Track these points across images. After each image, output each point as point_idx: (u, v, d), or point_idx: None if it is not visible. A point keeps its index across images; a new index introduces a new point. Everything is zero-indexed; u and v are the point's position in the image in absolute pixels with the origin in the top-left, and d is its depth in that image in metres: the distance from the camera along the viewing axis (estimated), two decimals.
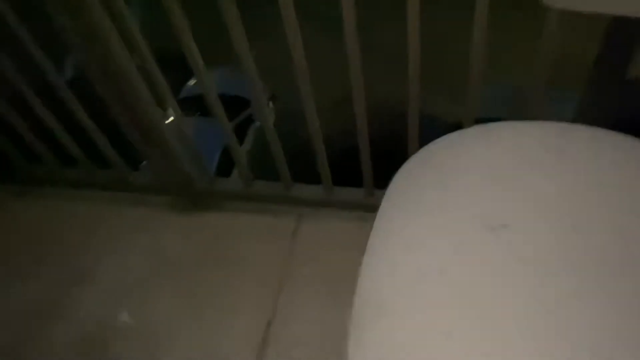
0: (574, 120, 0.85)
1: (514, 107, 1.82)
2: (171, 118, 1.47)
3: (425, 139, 0.89)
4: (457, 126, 0.96)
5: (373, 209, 0.79)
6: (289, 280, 1.36)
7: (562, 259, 0.69)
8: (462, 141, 0.85)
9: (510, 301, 0.66)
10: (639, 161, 0.78)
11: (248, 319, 1.31)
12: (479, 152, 0.82)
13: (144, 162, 1.63)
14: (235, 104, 2.03)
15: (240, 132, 2.10)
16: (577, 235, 0.70)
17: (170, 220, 1.51)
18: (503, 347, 0.63)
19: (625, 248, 0.68)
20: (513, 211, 0.75)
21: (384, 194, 0.85)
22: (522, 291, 0.67)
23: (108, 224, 1.52)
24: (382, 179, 1.14)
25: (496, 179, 0.79)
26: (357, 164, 1.31)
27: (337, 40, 1.05)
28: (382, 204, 0.85)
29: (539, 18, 0.94)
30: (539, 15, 0.92)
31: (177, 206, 1.52)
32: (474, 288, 0.68)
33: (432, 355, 0.64)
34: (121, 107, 1.20)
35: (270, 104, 5.06)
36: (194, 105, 2.01)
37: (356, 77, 1.07)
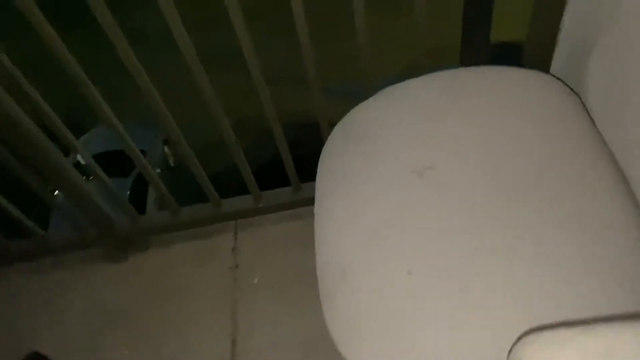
0: None
1: None
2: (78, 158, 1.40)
3: None
4: None
5: (305, 203, 0.83)
6: (241, 294, 1.35)
7: (484, 182, 0.76)
8: (374, 106, 0.90)
9: (454, 227, 0.72)
10: (532, 90, 0.87)
11: (211, 344, 1.28)
12: (391, 111, 0.89)
13: (53, 221, 1.54)
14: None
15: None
16: (491, 161, 0.78)
17: (102, 271, 1.44)
18: (460, 277, 0.68)
19: (534, 164, 0.77)
20: (432, 154, 0.81)
21: (312, 185, 0.88)
22: (461, 216, 0.73)
23: (36, 296, 1.42)
24: (306, 171, 1.18)
25: (411, 130, 0.85)
26: (280, 164, 1.33)
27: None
28: (316, 184, 0.88)
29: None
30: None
31: (105, 255, 1.45)
32: (421, 228, 0.74)
33: (396, 299, 0.68)
34: (24, 156, 1.14)
35: (166, 148, 4.95)
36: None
37: (261, 85, 1.09)
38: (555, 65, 1.06)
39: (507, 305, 0.63)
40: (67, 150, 1.30)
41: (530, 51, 1.02)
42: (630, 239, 0.67)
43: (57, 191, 2.11)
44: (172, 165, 5.03)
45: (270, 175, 1.45)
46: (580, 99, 0.86)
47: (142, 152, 1.23)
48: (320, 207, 0.84)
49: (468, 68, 0.93)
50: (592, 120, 0.83)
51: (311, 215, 0.84)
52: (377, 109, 0.90)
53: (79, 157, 1.33)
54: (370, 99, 0.93)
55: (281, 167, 1.34)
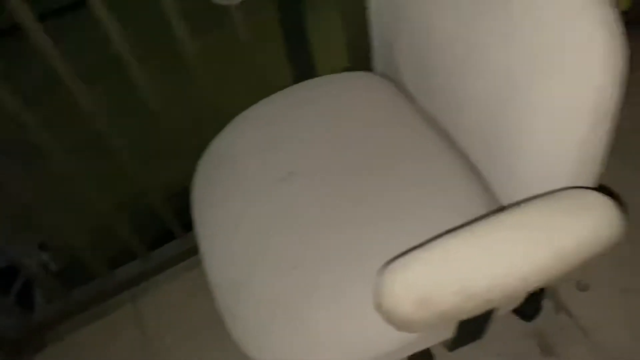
0: None
1: None
2: None
3: None
4: None
5: (196, 250, 0.86)
6: (159, 358, 1.32)
7: (337, 173, 0.85)
8: (229, 132, 0.98)
9: (323, 219, 0.80)
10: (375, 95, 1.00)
11: None
12: (246, 132, 0.96)
13: None
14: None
15: None
16: (339, 155, 0.88)
17: None
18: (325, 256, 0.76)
19: (374, 149, 0.88)
20: (290, 160, 0.89)
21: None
22: (326, 207, 0.81)
23: None
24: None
25: (267, 144, 0.93)
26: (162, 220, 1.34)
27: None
28: (194, 221, 0.92)
29: None
30: None
31: None
32: (295, 226, 0.81)
33: (288, 295, 0.73)
34: None
35: (44, 255, 4.59)
36: None
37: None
38: (377, 64, 1.21)
39: (374, 264, 0.72)
40: None
41: (354, 54, 1.16)
42: (457, 185, 0.80)
43: None
44: (54, 269, 4.67)
45: (159, 232, 1.45)
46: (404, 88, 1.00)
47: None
48: (203, 237, 0.88)
49: (302, 83, 1.04)
50: (413, 102, 0.96)
51: None
52: (232, 133, 0.97)
53: None
54: (224, 129, 0.99)
55: (165, 223, 1.35)
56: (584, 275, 1.26)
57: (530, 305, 1.20)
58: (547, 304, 1.23)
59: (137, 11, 1.84)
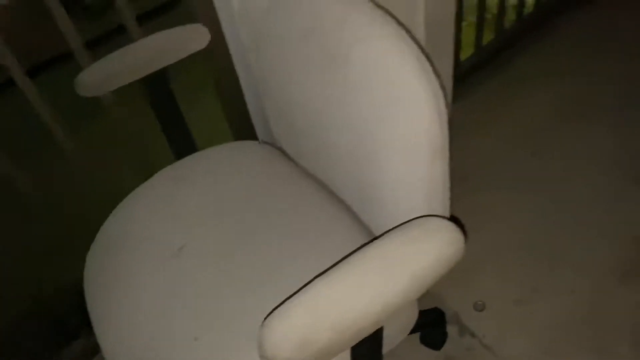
0: None
1: None
2: None
3: None
4: None
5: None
6: None
7: (227, 241, 0.89)
8: (117, 215, 0.98)
9: (212, 287, 0.83)
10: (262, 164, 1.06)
11: None
12: (135, 212, 0.98)
13: None
14: None
15: None
16: (229, 222, 0.92)
17: None
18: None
19: (261, 212, 0.94)
20: (181, 234, 0.92)
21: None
22: (215, 275, 0.84)
23: None
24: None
25: (157, 222, 0.95)
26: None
27: None
28: (88, 309, 0.91)
29: None
30: None
31: None
32: (189, 298, 0.83)
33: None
34: None
35: None
36: None
37: None
38: (259, 133, 1.29)
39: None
40: None
41: (236, 125, 1.23)
42: (336, 229, 0.87)
43: None
44: None
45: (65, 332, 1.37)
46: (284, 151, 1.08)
47: None
48: (100, 329, 0.87)
49: (186, 158, 1.08)
50: (293, 164, 1.04)
51: None
52: (119, 217, 0.98)
53: None
54: (112, 213, 1.00)
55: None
56: (479, 295, 1.36)
57: (436, 334, 1.28)
58: (451, 330, 1.31)
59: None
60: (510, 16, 1.94)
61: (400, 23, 0.72)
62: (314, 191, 0.95)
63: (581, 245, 1.42)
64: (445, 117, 0.70)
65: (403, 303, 0.56)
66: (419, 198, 0.71)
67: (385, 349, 0.77)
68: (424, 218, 0.65)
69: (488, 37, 1.96)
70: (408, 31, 0.72)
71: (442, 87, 0.71)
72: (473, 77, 1.88)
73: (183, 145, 1.09)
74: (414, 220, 0.64)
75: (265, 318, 0.56)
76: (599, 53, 1.93)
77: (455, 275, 1.38)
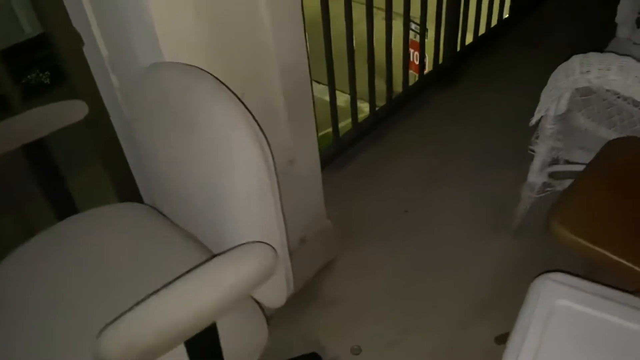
0: None
1: None
2: None
3: None
4: None
5: None
6: None
7: (94, 299, 0.98)
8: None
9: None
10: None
11: None
12: (9, 272, 1.04)
13: None
14: None
15: None
16: (99, 280, 1.01)
17: None
18: None
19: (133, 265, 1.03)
20: (54, 291, 0.99)
21: None
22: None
23: None
24: None
25: (30, 278, 1.02)
26: None
27: None
28: None
29: None
30: None
31: None
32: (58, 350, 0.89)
33: None
34: None
35: None
36: None
37: None
38: (143, 196, 1.41)
39: None
40: None
41: (122, 189, 1.35)
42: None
43: None
44: None
45: None
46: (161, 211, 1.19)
47: None
48: None
49: (67, 219, 1.16)
50: (166, 220, 1.15)
51: None
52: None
53: None
54: None
55: None
56: (356, 340, 1.48)
57: None
58: None
59: None
60: (380, 101, 2.23)
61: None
62: (181, 242, 1.06)
63: (445, 288, 1.60)
64: (271, 166, 0.86)
65: (222, 307, 0.68)
66: (254, 231, 0.85)
67: None
68: (248, 243, 0.78)
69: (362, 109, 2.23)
70: (239, 98, 0.89)
71: (268, 143, 0.87)
72: (352, 148, 2.11)
73: (64, 207, 1.18)
74: (240, 246, 0.78)
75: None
76: (459, 124, 2.24)
77: (333, 322, 1.52)
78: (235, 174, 0.86)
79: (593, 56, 1.25)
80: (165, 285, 0.71)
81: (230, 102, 0.87)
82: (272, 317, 1.54)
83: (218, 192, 0.88)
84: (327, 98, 1.99)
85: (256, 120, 0.87)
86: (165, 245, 1.07)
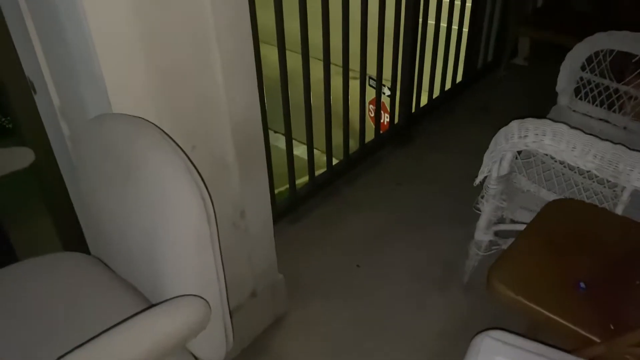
0: None
1: None
2: None
3: None
4: None
5: None
6: None
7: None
8: None
9: None
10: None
11: None
12: None
13: None
14: None
15: None
16: (33, 330, 0.97)
17: None
18: None
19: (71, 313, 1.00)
20: None
21: None
22: None
23: None
24: None
25: None
26: None
27: None
28: None
29: None
30: None
31: None
32: None
33: None
34: None
35: None
36: None
37: None
38: (90, 246, 1.38)
39: None
40: None
41: (67, 238, 1.32)
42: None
43: None
44: None
45: None
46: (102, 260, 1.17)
47: None
48: None
49: (9, 266, 1.13)
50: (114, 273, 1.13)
51: None
52: None
53: None
54: None
55: None
56: None
57: None
58: None
59: None
60: (338, 156, 2.28)
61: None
62: (120, 293, 1.04)
63: (389, 345, 1.59)
64: (212, 219, 0.87)
65: (150, 358, 0.67)
66: (191, 283, 0.85)
67: None
68: (181, 297, 0.78)
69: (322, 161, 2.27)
70: (185, 152, 0.91)
71: (209, 195, 0.88)
72: (308, 203, 2.13)
73: (3, 256, 1.14)
74: (173, 299, 0.77)
75: None
76: (412, 183, 2.30)
77: None
78: (173, 226, 0.86)
79: (530, 121, 1.32)
80: (94, 337, 0.69)
81: (172, 153, 0.89)
82: None
83: (155, 243, 0.88)
84: (285, 148, 2.03)
85: (199, 173, 0.88)
86: (103, 295, 1.04)
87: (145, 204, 0.90)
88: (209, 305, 0.76)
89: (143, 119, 0.98)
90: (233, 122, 1.25)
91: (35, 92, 1.20)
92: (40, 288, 1.07)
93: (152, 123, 0.97)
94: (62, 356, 0.66)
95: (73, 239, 1.37)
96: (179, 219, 0.85)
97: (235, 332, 0.98)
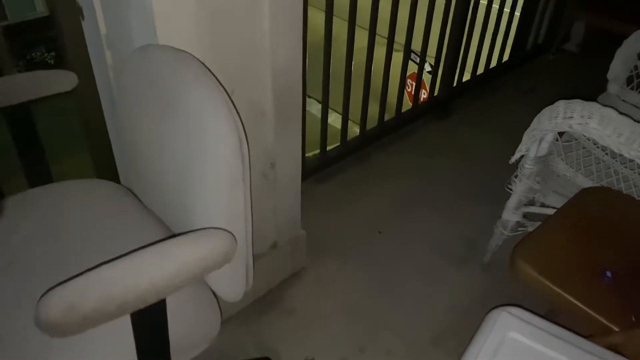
0: None
1: None
2: None
3: None
4: None
5: None
6: None
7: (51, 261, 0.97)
8: None
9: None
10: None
11: None
12: None
13: None
14: None
15: None
16: (60, 244, 1.01)
17: None
18: None
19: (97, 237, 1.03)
20: (12, 250, 0.99)
21: None
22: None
23: None
24: None
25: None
26: None
27: None
28: None
29: None
30: None
31: None
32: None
33: None
34: None
35: None
36: None
37: None
38: (121, 175, 1.41)
39: None
40: None
41: (101, 167, 1.35)
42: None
43: None
44: None
45: None
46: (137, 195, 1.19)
47: None
48: None
49: (42, 186, 1.16)
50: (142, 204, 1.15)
51: None
52: None
53: None
54: None
55: None
56: (310, 351, 1.47)
57: None
58: None
59: None
60: (372, 124, 2.26)
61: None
62: (145, 222, 1.06)
63: (401, 313, 1.60)
64: (247, 159, 0.87)
65: (172, 283, 0.68)
66: (219, 219, 0.85)
67: (187, 356, 0.87)
68: (209, 228, 0.79)
69: (354, 132, 2.26)
70: (229, 94, 0.90)
71: (246, 137, 0.88)
72: (337, 165, 2.13)
73: (38, 175, 1.17)
74: (201, 229, 0.78)
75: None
76: (444, 156, 2.27)
77: (291, 331, 1.51)
78: (208, 160, 0.86)
79: (577, 103, 1.28)
80: (117, 257, 0.71)
81: (215, 89, 0.88)
82: (230, 318, 1.53)
83: (188, 177, 0.89)
84: (319, 115, 2.02)
85: (239, 115, 0.88)
86: (129, 223, 1.06)
87: (182, 137, 0.90)
88: (235, 239, 0.77)
89: (188, 53, 0.98)
90: (274, 70, 1.24)
91: (83, 18, 1.21)
92: (71, 208, 1.10)
93: (197, 58, 0.96)
94: (89, 269, 0.68)
95: (106, 170, 1.40)
96: (214, 154, 0.85)
97: (253, 279, 1.00)
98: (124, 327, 0.72)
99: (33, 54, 3.04)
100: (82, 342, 0.78)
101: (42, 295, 0.64)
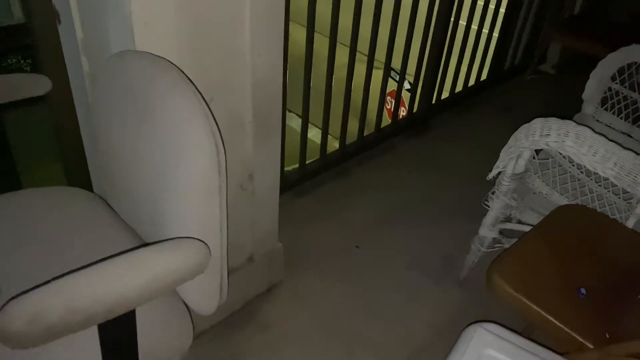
0: None
1: None
2: None
3: None
4: None
5: None
6: None
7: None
8: None
9: None
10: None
11: None
12: None
13: None
14: None
15: None
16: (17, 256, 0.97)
17: None
18: None
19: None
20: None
21: None
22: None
23: None
24: None
25: None
26: None
27: None
28: None
29: None
30: None
31: None
32: None
33: None
34: None
35: None
36: None
37: None
38: (94, 183, 1.37)
39: None
40: None
41: (72, 175, 1.32)
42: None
43: None
44: None
45: None
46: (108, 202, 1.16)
47: None
48: None
49: (9, 193, 1.12)
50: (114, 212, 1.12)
51: None
52: None
53: None
54: None
55: None
56: None
57: None
58: None
59: None
60: (351, 139, 2.26)
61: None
62: (115, 231, 1.04)
63: (378, 329, 1.59)
64: (223, 168, 0.85)
65: (141, 294, 0.66)
66: (193, 229, 0.83)
67: None
68: (182, 238, 0.77)
69: (334, 147, 2.26)
70: (200, 93, 0.89)
71: (223, 144, 0.87)
72: (316, 178, 2.12)
73: (6, 182, 1.14)
74: (173, 239, 0.76)
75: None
76: (422, 172, 2.28)
77: (265, 345, 1.48)
78: (183, 169, 0.84)
79: (554, 121, 1.30)
80: (86, 266, 0.68)
81: (192, 97, 0.87)
82: (204, 332, 1.49)
83: (163, 186, 0.86)
84: (300, 130, 2.01)
85: (217, 124, 0.87)
86: (100, 231, 1.04)
87: (158, 145, 0.88)
88: (209, 250, 0.75)
89: (166, 59, 0.96)
90: (255, 79, 1.23)
91: (59, 22, 1.18)
92: (39, 216, 1.06)
93: (175, 65, 0.95)
94: (59, 276, 0.65)
95: (79, 177, 1.37)
96: (190, 163, 0.83)
97: (229, 292, 0.97)
98: (90, 339, 0.69)
99: (9, 61, 2.99)
100: (44, 355, 0.75)
101: (4, 305, 0.62)
